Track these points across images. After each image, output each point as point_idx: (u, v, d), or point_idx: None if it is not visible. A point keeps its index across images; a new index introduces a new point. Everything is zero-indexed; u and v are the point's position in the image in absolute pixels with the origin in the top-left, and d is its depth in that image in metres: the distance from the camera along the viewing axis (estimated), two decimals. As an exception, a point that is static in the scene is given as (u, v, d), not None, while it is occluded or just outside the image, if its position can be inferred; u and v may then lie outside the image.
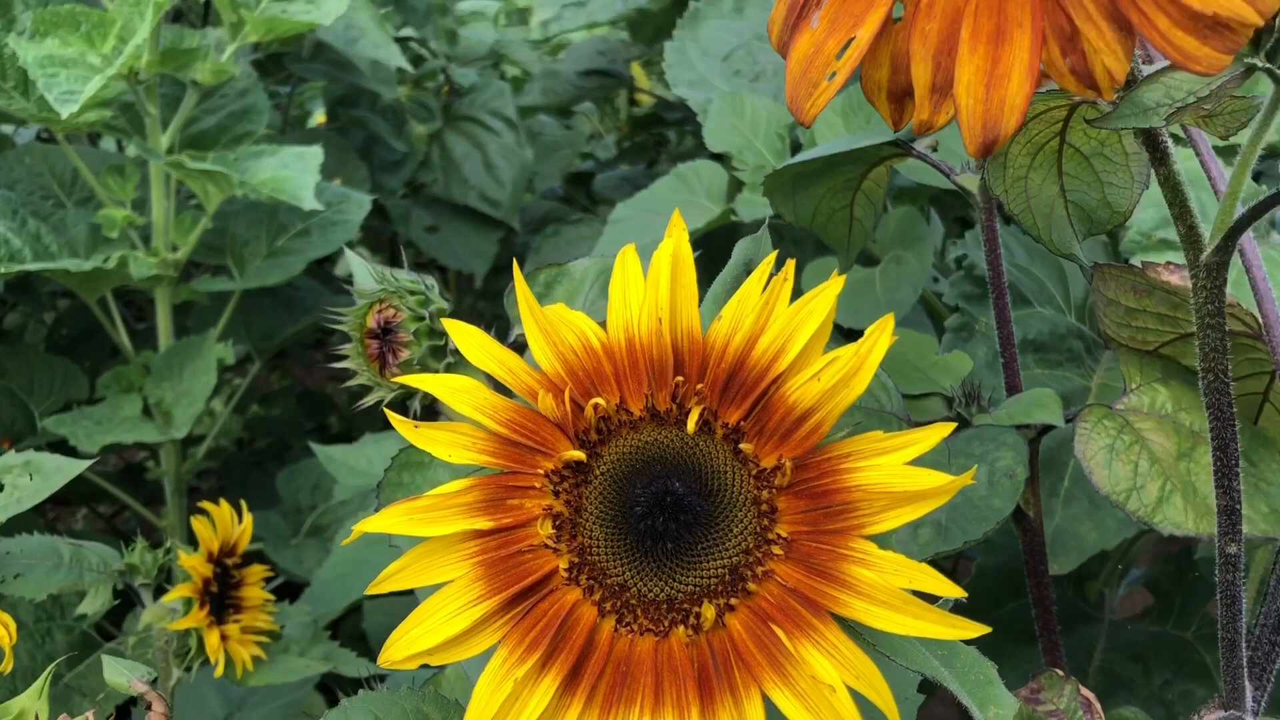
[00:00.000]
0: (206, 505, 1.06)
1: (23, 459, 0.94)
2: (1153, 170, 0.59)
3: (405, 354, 0.75)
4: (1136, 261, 1.23)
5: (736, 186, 1.46)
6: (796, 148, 1.47)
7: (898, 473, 0.50)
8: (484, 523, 0.52)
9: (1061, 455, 1.08)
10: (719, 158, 1.52)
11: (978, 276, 1.25)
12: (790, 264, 0.52)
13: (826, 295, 0.51)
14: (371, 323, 0.76)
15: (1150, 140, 0.57)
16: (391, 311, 0.76)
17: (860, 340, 0.51)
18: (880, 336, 0.51)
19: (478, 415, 0.53)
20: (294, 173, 1.46)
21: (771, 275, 0.53)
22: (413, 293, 0.77)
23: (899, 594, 0.49)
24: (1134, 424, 0.86)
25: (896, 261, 1.38)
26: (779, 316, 0.51)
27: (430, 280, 0.79)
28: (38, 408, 1.61)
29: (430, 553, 0.53)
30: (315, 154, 1.49)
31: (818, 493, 0.51)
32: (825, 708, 0.48)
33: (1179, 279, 0.84)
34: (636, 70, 2.47)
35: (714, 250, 1.63)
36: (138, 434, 1.46)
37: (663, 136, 2.63)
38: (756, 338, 0.51)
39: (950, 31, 0.46)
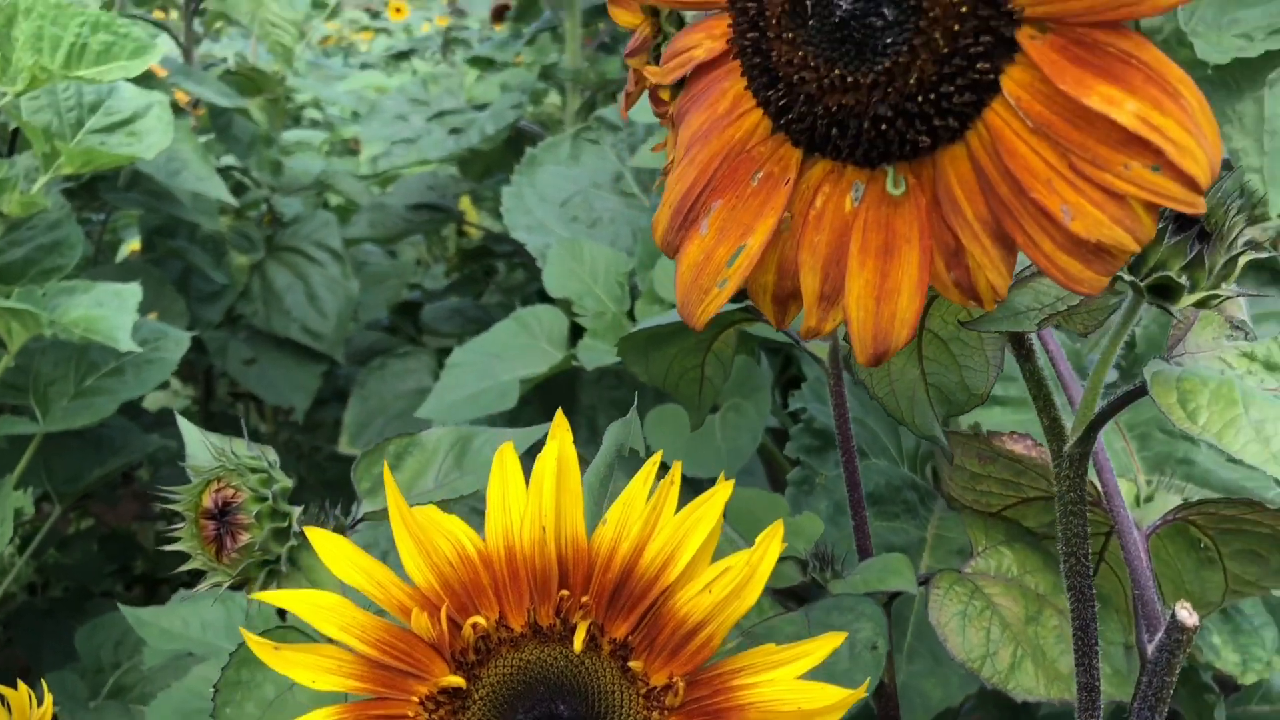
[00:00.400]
0: (4, 690, 0.95)
1: None
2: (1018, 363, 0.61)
3: (245, 537, 0.70)
4: (969, 417, 1.27)
5: (577, 332, 1.45)
6: (635, 294, 1.47)
7: (792, 689, 0.48)
8: (352, 758, 0.48)
9: (903, 610, 1.08)
10: (554, 300, 1.51)
11: (817, 430, 1.27)
12: (677, 465, 0.51)
13: (715, 502, 0.50)
14: (208, 503, 0.71)
15: (1016, 339, 0.59)
16: (231, 491, 0.71)
17: (751, 549, 0.49)
18: (770, 544, 0.49)
19: (344, 636, 0.48)
20: (109, 312, 1.37)
21: (659, 478, 0.51)
22: (254, 470, 0.72)
23: (795, 818, 0.47)
24: (983, 589, 0.88)
25: (735, 410, 1.39)
26: (666, 524, 0.50)
27: (273, 456, 0.74)
28: None
29: (290, 792, 0.48)
30: (133, 292, 1.41)
31: (711, 712, 0.48)
32: None
33: (1022, 448, 0.87)
34: (466, 204, 2.47)
35: (553, 396, 1.61)
36: (-82, 594, 1.33)
37: (492, 268, 2.62)
38: (644, 546, 0.49)
39: (839, 244, 0.46)
